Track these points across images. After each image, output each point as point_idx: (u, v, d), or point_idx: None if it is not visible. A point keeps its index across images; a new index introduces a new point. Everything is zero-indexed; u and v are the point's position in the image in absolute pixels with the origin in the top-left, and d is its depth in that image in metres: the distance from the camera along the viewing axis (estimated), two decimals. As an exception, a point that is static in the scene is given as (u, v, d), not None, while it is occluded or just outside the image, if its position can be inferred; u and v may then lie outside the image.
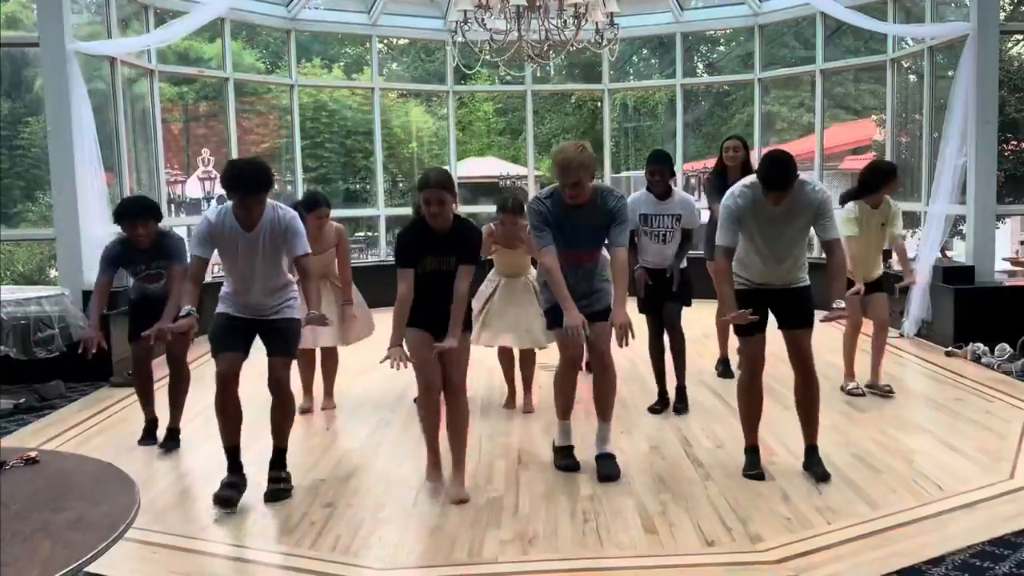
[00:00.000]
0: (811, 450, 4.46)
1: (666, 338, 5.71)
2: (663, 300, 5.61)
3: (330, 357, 5.95)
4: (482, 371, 6.86)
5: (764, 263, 4.33)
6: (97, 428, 5.57)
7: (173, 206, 11.05)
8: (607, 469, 4.42)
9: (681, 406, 5.67)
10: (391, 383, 6.58)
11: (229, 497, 4.09)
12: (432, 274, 4.17)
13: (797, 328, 4.33)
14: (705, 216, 6.48)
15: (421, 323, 4.21)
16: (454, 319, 4.15)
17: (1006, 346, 6.81)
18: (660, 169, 5.52)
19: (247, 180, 4.01)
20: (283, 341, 4.27)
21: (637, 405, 5.76)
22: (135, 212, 4.96)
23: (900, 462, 4.53)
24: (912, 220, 13.70)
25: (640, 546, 3.58)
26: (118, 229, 4.99)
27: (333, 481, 4.44)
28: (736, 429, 5.06)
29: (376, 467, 4.66)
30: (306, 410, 5.76)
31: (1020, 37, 14.21)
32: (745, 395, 4.48)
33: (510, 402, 5.92)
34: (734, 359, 6.33)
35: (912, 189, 9.35)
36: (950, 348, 7.10)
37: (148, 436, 5.26)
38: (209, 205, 15.05)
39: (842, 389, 5.99)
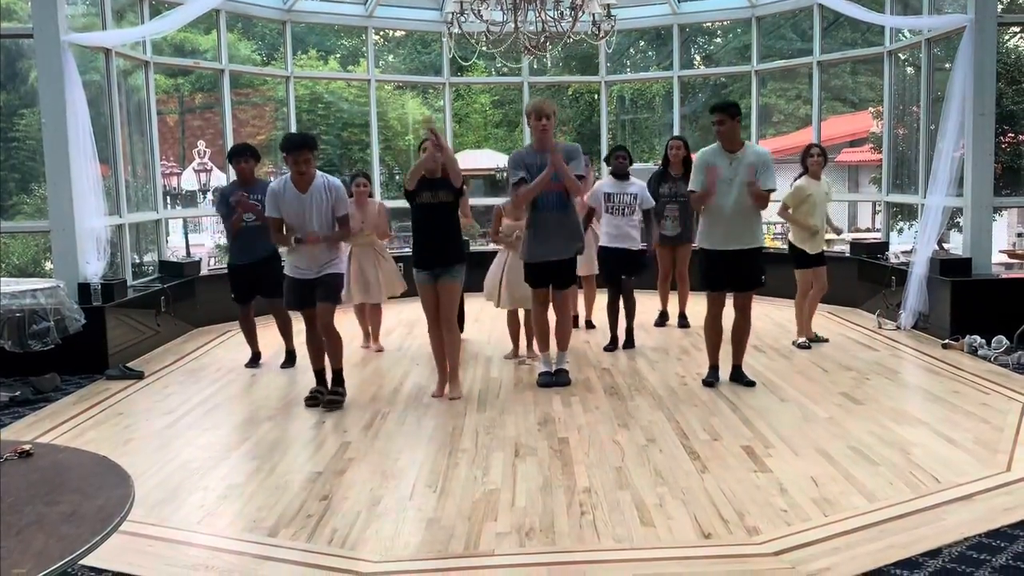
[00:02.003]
0: (737, 367, 6.06)
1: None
2: (621, 274, 7.24)
3: (376, 310, 7.49)
4: (479, 363, 6.87)
5: (723, 222, 5.67)
6: (92, 421, 5.56)
7: (168, 198, 11.00)
8: (560, 378, 6.15)
9: (629, 345, 7.32)
10: (388, 376, 6.59)
11: (315, 397, 5.75)
12: (427, 205, 5.71)
13: (745, 290, 5.86)
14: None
15: (423, 263, 5.77)
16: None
17: (1003, 338, 6.81)
18: (624, 154, 7.32)
19: (295, 141, 5.60)
20: (329, 291, 5.70)
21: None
22: (241, 150, 6.87)
23: (897, 454, 4.53)
24: (909, 212, 13.73)
25: (637, 539, 3.58)
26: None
27: (329, 474, 4.44)
28: (732, 420, 5.20)
29: (372, 460, 4.66)
30: (365, 347, 7.56)
31: (1017, 29, 14.20)
32: (710, 330, 6.03)
33: (512, 354, 7.09)
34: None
35: (909, 181, 9.34)
36: (947, 340, 7.10)
37: (253, 362, 7.04)
38: (205, 197, 15.04)
39: (793, 343, 7.31)
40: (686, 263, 8.20)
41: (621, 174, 7.25)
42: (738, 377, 6.02)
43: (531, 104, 5.96)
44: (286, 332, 7.03)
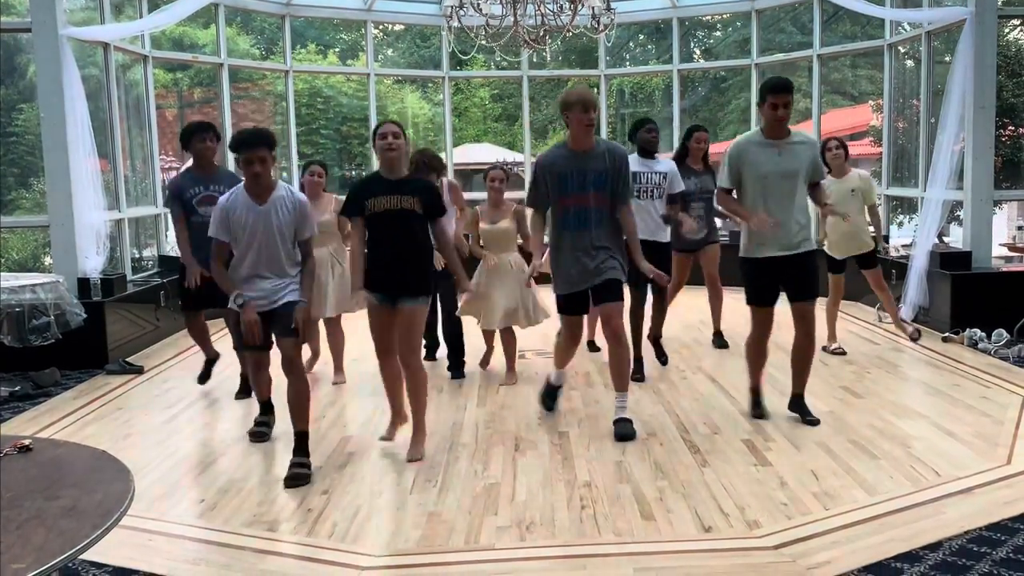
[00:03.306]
0: (799, 397, 5.07)
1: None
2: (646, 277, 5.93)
3: (335, 331, 6.24)
4: (477, 358, 6.86)
5: (773, 224, 4.68)
6: (92, 416, 5.55)
7: (167, 193, 10.97)
8: (623, 429, 4.79)
9: (661, 358, 6.46)
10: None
11: (262, 433, 4.95)
12: (386, 215, 4.45)
13: (805, 300, 4.86)
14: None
15: (377, 285, 4.51)
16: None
17: (1003, 331, 6.81)
18: (654, 127, 6.31)
19: (248, 136, 4.34)
20: (289, 323, 4.36)
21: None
22: (203, 128, 5.72)
23: (897, 448, 4.53)
24: (909, 206, 13.71)
25: (637, 532, 3.58)
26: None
27: (330, 468, 4.43)
28: (732, 414, 5.20)
29: (373, 454, 4.66)
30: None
31: (1018, 22, 14.17)
32: (753, 352, 5.07)
33: (485, 361, 6.45)
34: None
35: (909, 175, 9.33)
36: (947, 334, 7.10)
37: (207, 373, 6.13)
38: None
39: (824, 348, 6.67)
40: (715, 264, 6.96)
41: (650, 151, 6.18)
42: (800, 409, 5.03)
43: (574, 93, 4.77)
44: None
